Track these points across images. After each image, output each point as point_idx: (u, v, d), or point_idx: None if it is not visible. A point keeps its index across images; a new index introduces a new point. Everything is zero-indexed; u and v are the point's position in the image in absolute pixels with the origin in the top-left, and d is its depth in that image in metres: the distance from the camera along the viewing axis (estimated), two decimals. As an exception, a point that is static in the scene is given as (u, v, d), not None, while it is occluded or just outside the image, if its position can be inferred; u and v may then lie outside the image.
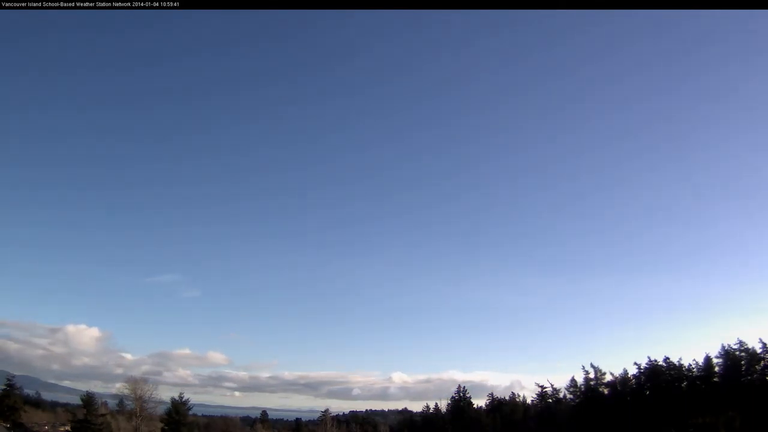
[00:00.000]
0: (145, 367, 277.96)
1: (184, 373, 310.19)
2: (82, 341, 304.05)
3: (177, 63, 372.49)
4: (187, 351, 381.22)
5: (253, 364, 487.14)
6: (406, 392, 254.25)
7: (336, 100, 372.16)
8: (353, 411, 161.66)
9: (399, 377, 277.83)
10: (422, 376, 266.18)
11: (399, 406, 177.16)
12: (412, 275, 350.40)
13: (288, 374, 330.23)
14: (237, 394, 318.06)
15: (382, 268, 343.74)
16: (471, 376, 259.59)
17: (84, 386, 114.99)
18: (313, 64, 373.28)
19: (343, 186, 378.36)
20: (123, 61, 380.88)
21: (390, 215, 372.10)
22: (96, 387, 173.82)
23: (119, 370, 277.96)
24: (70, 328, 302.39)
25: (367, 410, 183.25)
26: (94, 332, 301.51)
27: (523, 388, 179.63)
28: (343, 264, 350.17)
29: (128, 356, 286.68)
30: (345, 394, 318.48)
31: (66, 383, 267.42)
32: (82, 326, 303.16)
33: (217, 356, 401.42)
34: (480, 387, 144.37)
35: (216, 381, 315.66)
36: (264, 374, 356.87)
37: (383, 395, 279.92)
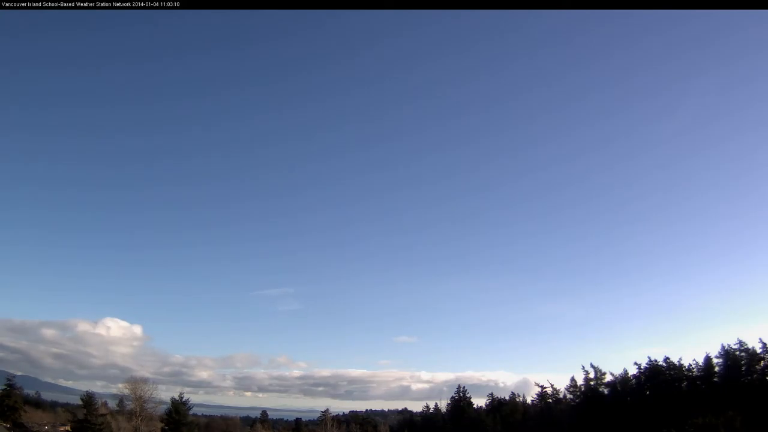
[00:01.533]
0: (168, 368, 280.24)
1: (207, 374, 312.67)
2: (116, 339, 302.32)
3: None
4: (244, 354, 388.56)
5: (308, 363, 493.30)
6: (430, 391, 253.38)
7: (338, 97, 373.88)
8: (353, 411, 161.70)
9: (425, 376, 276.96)
10: (451, 375, 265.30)
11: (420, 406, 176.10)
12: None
13: (317, 372, 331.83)
14: (248, 394, 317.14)
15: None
16: (490, 375, 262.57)
17: (87, 386, 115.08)
18: (313, 63, 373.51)
19: (344, 187, 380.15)
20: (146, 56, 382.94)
21: (390, 214, 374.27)
22: (97, 387, 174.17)
23: (147, 369, 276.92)
24: (109, 322, 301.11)
25: (367, 410, 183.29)
26: (135, 331, 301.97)
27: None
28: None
29: (154, 358, 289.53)
30: (368, 393, 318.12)
31: (69, 383, 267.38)
32: (124, 323, 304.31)
33: (281, 359, 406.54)
34: (496, 387, 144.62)
35: (241, 381, 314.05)
36: (293, 373, 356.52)
37: (406, 394, 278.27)
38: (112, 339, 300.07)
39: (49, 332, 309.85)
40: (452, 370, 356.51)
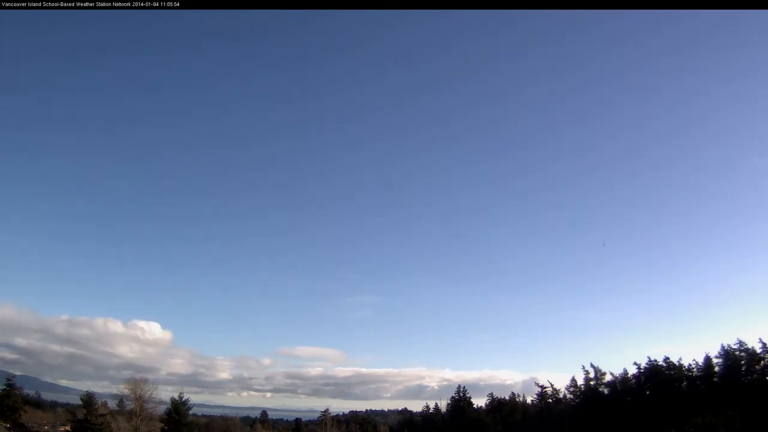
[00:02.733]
0: (187, 368, 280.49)
1: (221, 374, 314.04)
2: (139, 339, 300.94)
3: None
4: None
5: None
6: (448, 390, 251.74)
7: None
8: (353, 411, 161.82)
9: (449, 374, 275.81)
10: (475, 374, 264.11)
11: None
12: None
13: (340, 371, 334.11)
14: (255, 394, 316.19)
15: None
16: (506, 375, 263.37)
17: (87, 386, 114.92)
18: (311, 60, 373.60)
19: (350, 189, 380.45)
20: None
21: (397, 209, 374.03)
22: (98, 387, 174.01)
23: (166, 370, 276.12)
24: (141, 323, 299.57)
25: (366, 410, 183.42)
26: (159, 330, 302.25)
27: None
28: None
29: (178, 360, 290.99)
30: (381, 392, 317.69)
31: (70, 383, 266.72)
32: (154, 323, 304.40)
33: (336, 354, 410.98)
34: (512, 387, 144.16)
35: (261, 382, 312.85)
36: (315, 371, 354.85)
37: (422, 393, 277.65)
38: (135, 339, 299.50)
39: (64, 330, 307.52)
40: (474, 369, 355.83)
